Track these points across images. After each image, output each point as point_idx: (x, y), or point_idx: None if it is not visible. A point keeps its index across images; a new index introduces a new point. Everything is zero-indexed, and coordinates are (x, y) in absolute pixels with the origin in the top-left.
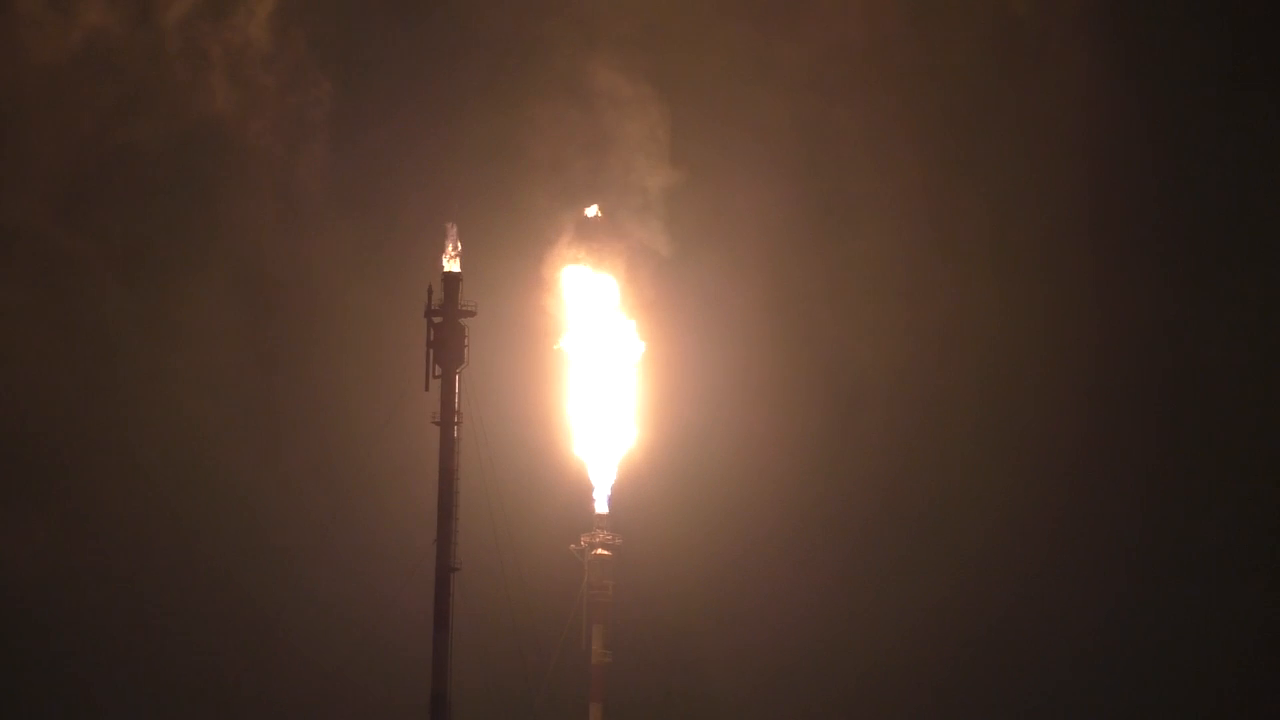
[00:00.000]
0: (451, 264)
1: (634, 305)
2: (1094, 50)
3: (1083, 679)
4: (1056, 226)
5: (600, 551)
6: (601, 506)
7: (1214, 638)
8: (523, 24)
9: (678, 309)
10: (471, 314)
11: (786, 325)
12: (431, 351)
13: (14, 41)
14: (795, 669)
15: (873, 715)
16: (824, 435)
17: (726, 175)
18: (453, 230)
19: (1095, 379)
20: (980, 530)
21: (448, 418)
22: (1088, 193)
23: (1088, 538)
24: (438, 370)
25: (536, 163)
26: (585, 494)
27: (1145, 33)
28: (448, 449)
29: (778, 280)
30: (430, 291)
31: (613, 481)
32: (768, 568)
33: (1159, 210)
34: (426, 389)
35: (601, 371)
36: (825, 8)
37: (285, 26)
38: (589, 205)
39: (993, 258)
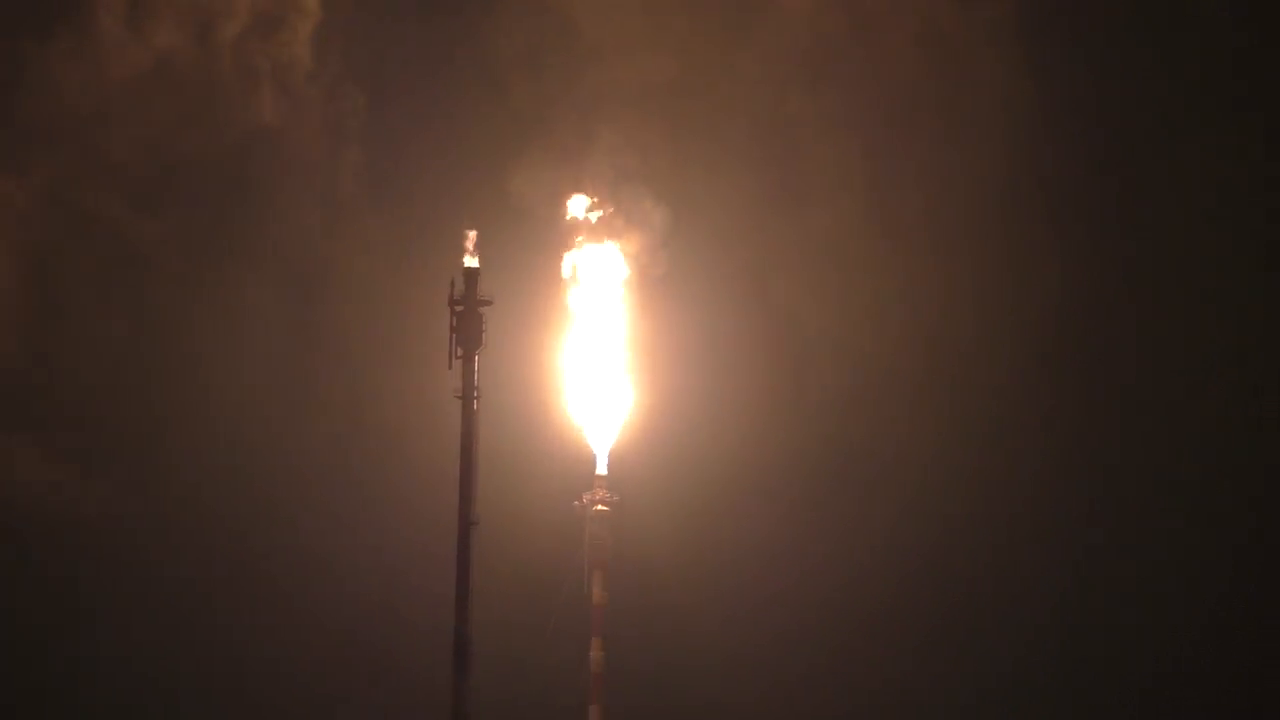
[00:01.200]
0: (471, 261)
1: (628, 283)
2: (1013, 47)
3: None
4: (981, 206)
5: (600, 508)
6: (601, 469)
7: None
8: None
9: (665, 284)
10: (489, 303)
11: (746, 293)
12: (454, 336)
13: (96, 59)
14: (777, 602)
15: (852, 644)
16: (777, 393)
17: (696, 164)
18: (472, 233)
19: (1016, 336)
20: (917, 476)
21: (468, 392)
22: (1007, 176)
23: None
24: (459, 352)
25: (542, 166)
26: (586, 458)
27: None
28: (468, 419)
29: (736, 253)
30: (453, 284)
31: (611, 446)
32: (748, 517)
33: (1070, 189)
34: (450, 368)
35: (599, 347)
36: (776, 13)
37: (324, 46)
38: (586, 198)
39: (927, 233)
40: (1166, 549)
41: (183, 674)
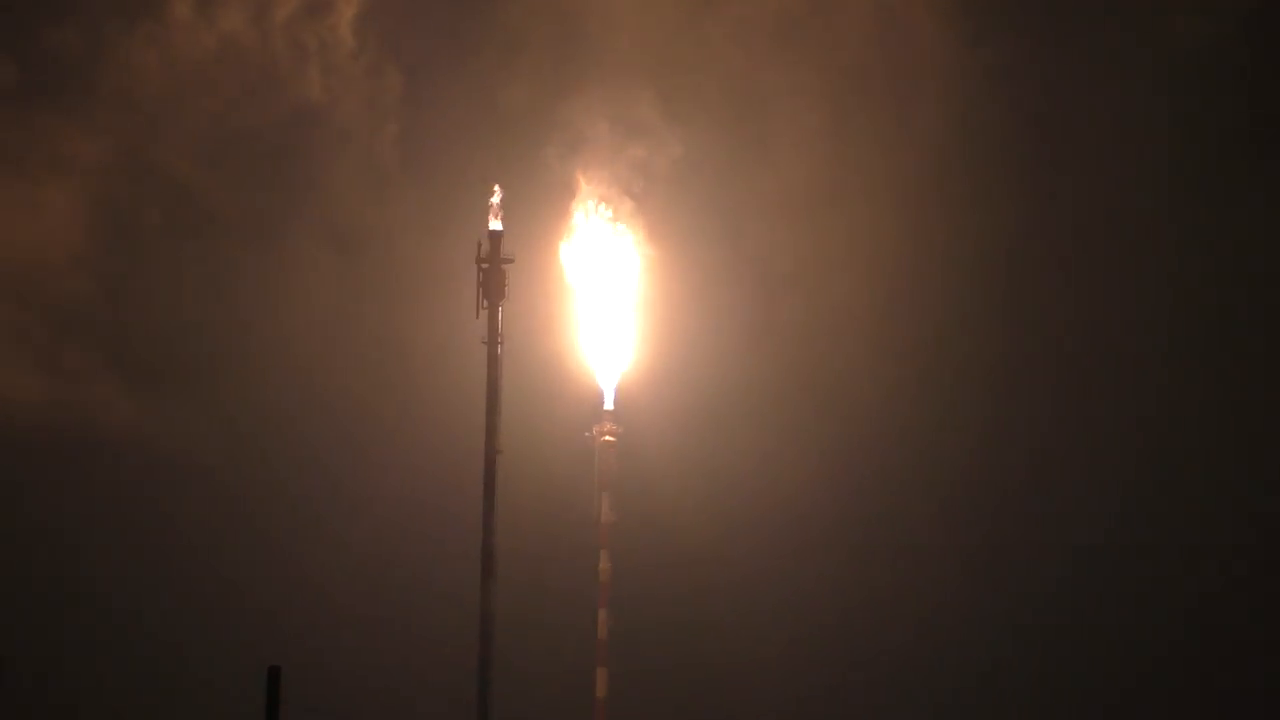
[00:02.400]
0: (495, 224)
1: (633, 235)
2: (956, 20)
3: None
4: (929, 160)
5: (607, 438)
6: (608, 404)
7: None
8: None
9: (656, 238)
10: (510, 261)
11: (720, 236)
12: (480, 289)
13: (170, 40)
14: (766, 515)
15: (837, 551)
16: (753, 328)
17: (681, 127)
18: (496, 201)
19: (960, 276)
20: (880, 396)
21: (493, 339)
22: (951, 132)
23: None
24: (485, 303)
25: (560, 138)
26: (595, 395)
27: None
28: (493, 362)
29: (714, 201)
30: (480, 245)
31: (617, 384)
32: (736, 442)
33: (1007, 144)
34: (476, 317)
35: (607, 295)
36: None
37: (364, 27)
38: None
39: (884, 186)
40: (1123, 463)
41: (236, 580)
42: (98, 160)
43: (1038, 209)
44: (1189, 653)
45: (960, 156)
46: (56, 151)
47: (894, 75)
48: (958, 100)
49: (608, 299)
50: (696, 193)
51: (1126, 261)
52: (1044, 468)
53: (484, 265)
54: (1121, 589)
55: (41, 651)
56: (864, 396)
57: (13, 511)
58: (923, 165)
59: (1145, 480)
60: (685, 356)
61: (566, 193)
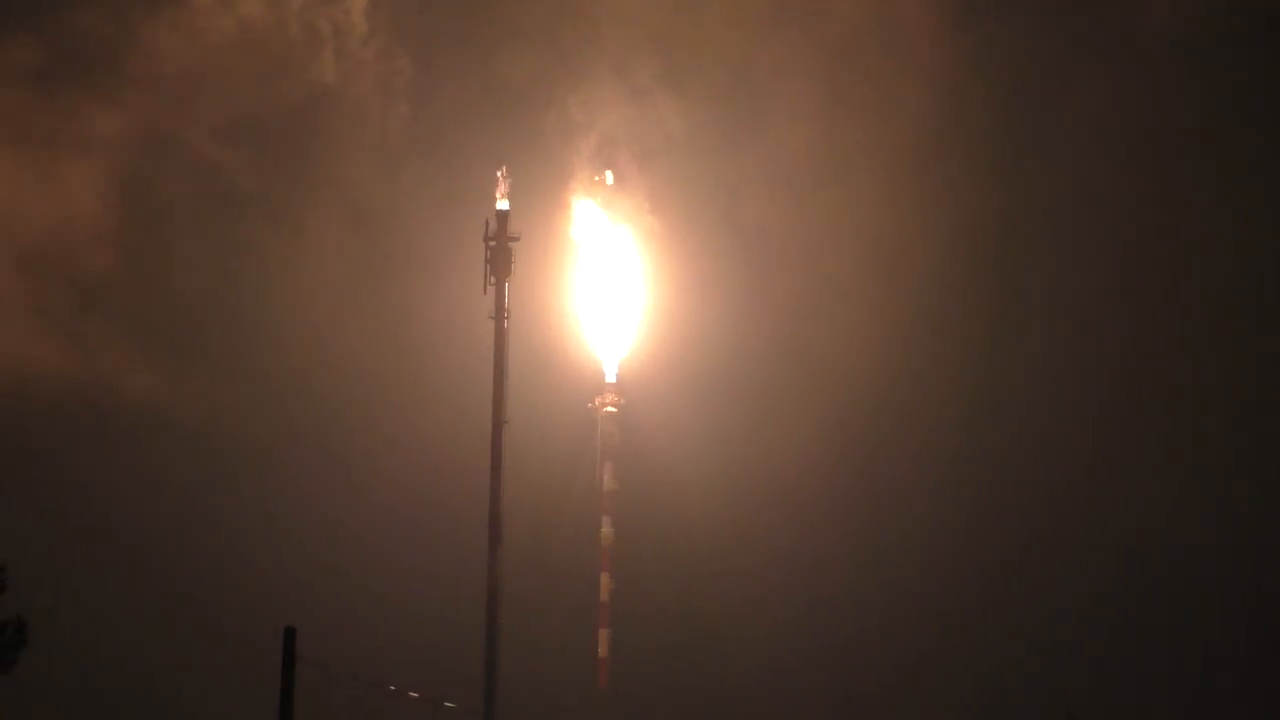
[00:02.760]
0: (502, 203)
1: (636, 215)
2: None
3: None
4: (914, 135)
5: (609, 409)
6: (610, 377)
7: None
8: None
9: (661, 209)
10: (516, 239)
11: (716, 210)
12: (488, 266)
13: (193, 25)
14: (757, 477)
15: (819, 504)
16: (748, 301)
17: (676, 107)
18: (502, 181)
19: (946, 245)
20: (866, 364)
21: (499, 313)
22: (935, 110)
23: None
24: (492, 279)
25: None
26: (598, 367)
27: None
28: (499, 335)
29: (711, 177)
30: (487, 224)
31: (619, 358)
32: (737, 412)
33: (988, 120)
34: (484, 293)
35: (610, 270)
36: None
37: (375, 11)
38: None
39: (875, 163)
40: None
41: (253, 542)
42: (121, 138)
43: (1021, 186)
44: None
45: (947, 135)
46: (81, 130)
47: (884, 57)
48: (944, 81)
49: (610, 275)
50: (694, 168)
51: (1106, 235)
52: (1029, 435)
53: (491, 243)
54: (1106, 553)
55: (68, 610)
56: (855, 366)
57: (40, 476)
58: (911, 143)
59: (1129, 446)
60: (684, 329)
61: (571, 172)
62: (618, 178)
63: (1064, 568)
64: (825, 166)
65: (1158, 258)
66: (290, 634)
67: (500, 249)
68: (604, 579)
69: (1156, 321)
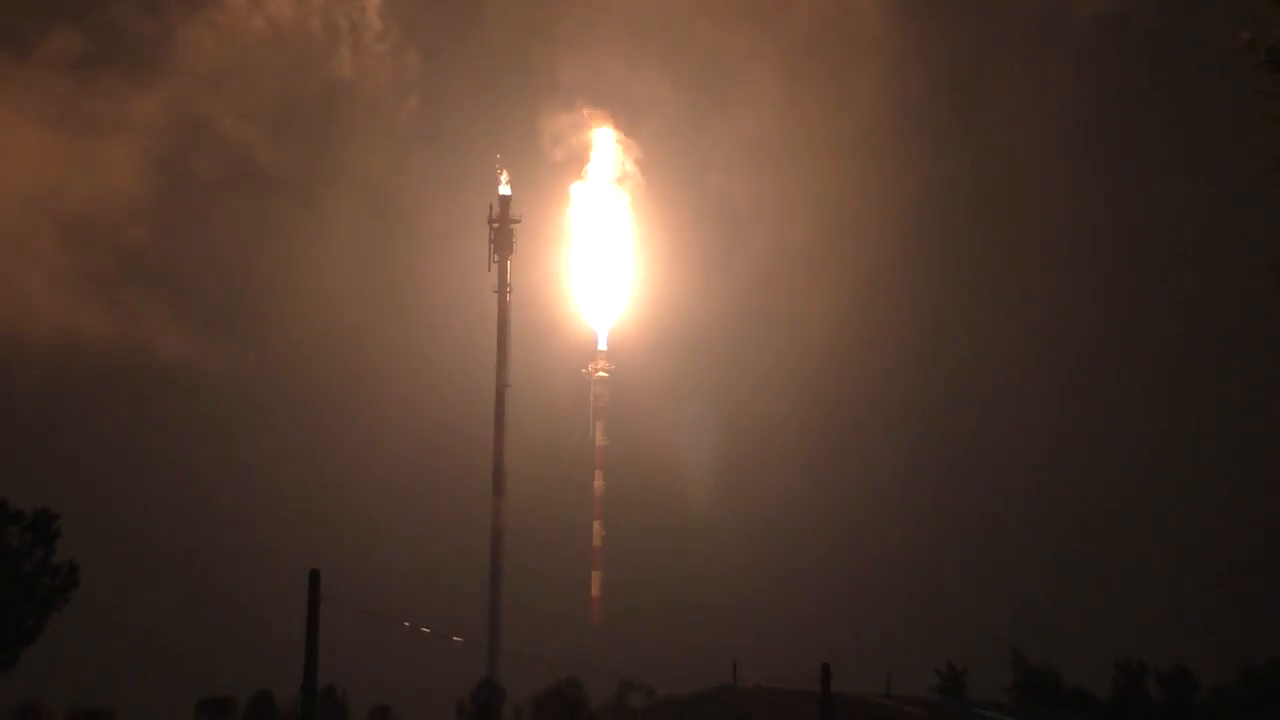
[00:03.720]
0: (505, 189)
1: (625, 199)
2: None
3: None
4: (867, 117)
5: (601, 374)
6: (602, 345)
7: None
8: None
9: (653, 194)
10: (517, 221)
11: (689, 185)
12: (492, 245)
13: (227, 22)
14: (741, 433)
15: (795, 443)
16: (717, 264)
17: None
18: (503, 170)
19: (893, 216)
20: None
21: (502, 288)
22: (884, 94)
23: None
24: (496, 257)
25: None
26: (591, 336)
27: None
28: (502, 308)
29: (683, 152)
30: (491, 207)
31: (610, 327)
32: (713, 370)
33: (925, 100)
34: (489, 269)
35: (601, 250)
36: None
37: (388, 10)
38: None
39: (829, 140)
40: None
41: (280, 492)
42: (160, 122)
43: (959, 161)
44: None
45: (892, 115)
46: (123, 113)
47: (837, 44)
48: (890, 66)
49: (600, 255)
50: (668, 143)
51: (1037, 206)
52: (968, 378)
53: (495, 225)
54: (1039, 486)
55: (111, 552)
56: (815, 321)
57: (87, 429)
58: (861, 122)
59: (1048, 380)
60: (665, 301)
61: (566, 157)
62: (605, 153)
63: (1003, 502)
64: (785, 142)
65: (1075, 224)
66: (315, 576)
67: (503, 230)
68: (596, 526)
69: (1079, 277)
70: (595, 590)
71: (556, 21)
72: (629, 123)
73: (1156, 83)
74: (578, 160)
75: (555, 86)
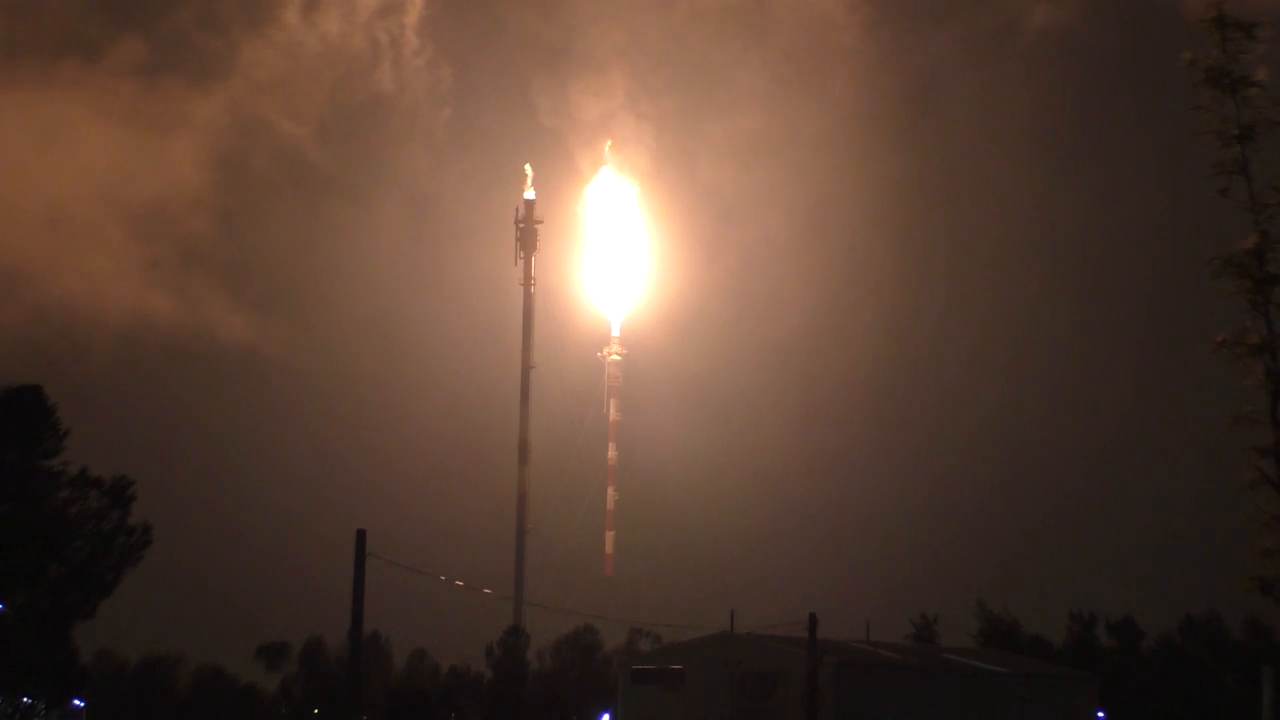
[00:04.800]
0: (529, 193)
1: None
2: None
3: None
4: (841, 118)
5: (614, 356)
6: (615, 331)
7: None
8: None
9: (660, 191)
10: (540, 222)
11: (680, 176)
12: (518, 243)
13: (275, 41)
14: (737, 402)
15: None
16: (703, 249)
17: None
18: (529, 176)
19: (863, 198)
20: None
21: (527, 281)
22: (855, 100)
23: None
24: (521, 254)
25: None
26: (605, 323)
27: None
28: (528, 298)
29: (677, 149)
30: (518, 210)
31: (622, 315)
32: (711, 351)
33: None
34: (515, 264)
35: (613, 245)
36: None
37: (423, 28)
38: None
39: (807, 138)
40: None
41: (328, 459)
42: (216, 122)
43: (921, 158)
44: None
45: (862, 116)
46: (182, 114)
47: (814, 53)
48: (861, 72)
49: (614, 251)
50: (665, 142)
51: (991, 199)
52: (931, 355)
53: (520, 225)
54: (993, 452)
55: (179, 513)
56: (794, 303)
57: (150, 406)
58: (835, 122)
59: (1006, 353)
60: (670, 288)
61: (580, 161)
62: (614, 154)
63: (962, 464)
64: (767, 141)
65: (1026, 215)
66: (361, 535)
67: (528, 230)
68: (610, 491)
69: (1029, 264)
70: (609, 548)
71: (568, 38)
72: (633, 126)
73: (1098, 89)
74: (590, 164)
75: (568, 95)
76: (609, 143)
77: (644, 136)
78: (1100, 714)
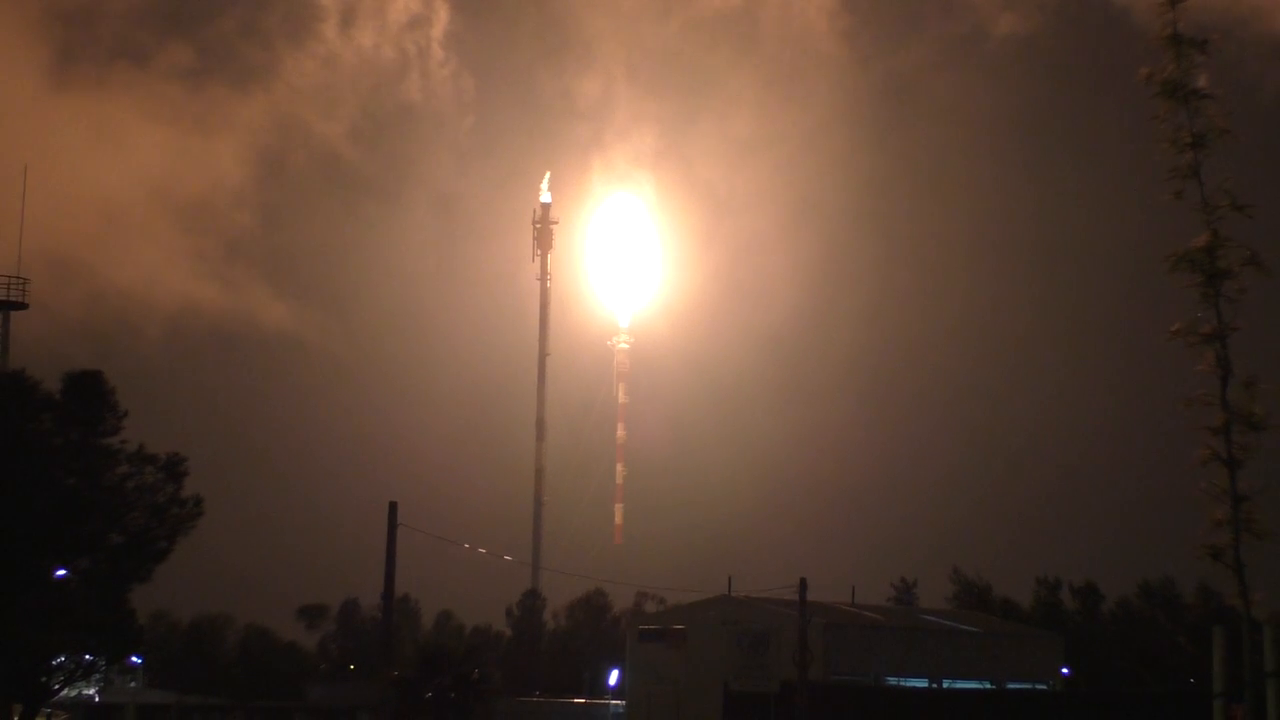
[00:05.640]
0: (546, 196)
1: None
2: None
3: None
4: (822, 119)
5: (622, 345)
6: (624, 322)
7: None
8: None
9: (676, 182)
10: (555, 223)
11: (676, 173)
12: (535, 241)
13: (314, 53)
14: (735, 385)
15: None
16: (697, 240)
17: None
18: (545, 180)
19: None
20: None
21: (544, 276)
22: (833, 102)
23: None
24: (538, 251)
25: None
26: (614, 314)
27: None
28: (544, 293)
29: (674, 149)
30: (535, 212)
31: (630, 305)
32: (709, 335)
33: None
34: (532, 261)
35: (623, 240)
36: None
37: (449, 43)
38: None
39: (792, 137)
40: None
41: (360, 437)
42: (258, 124)
43: (895, 156)
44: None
45: (841, 117)
46: (226, 116)
47: (797, 59)
48: (839, 77)
49: (622, 248)
50: (665, 143)
51: (959, 194)
52: (905, 337)
53: (537, 226)
54: (962, 425)
55: (227, 485)
56: (781, 291)
57: (198, 387)
58: (816, 122)
59: (972, 327)
60: (672, 283)
61: (592, 162)
62: (623, 158)
63: (938, 441)
64: (756, 140)
65: (991, 209)
66: (393, 507)
67: (544, 230)
68: (619, 467)
69: (994, 256)
70: (618, 519)
71: (578, 50)
72: (636, 129)
73: (1059, 94)
74: (599, 166)
75: (578, 102)
76: (616, 146)
77: (646, 138)
78: (1064, 670)
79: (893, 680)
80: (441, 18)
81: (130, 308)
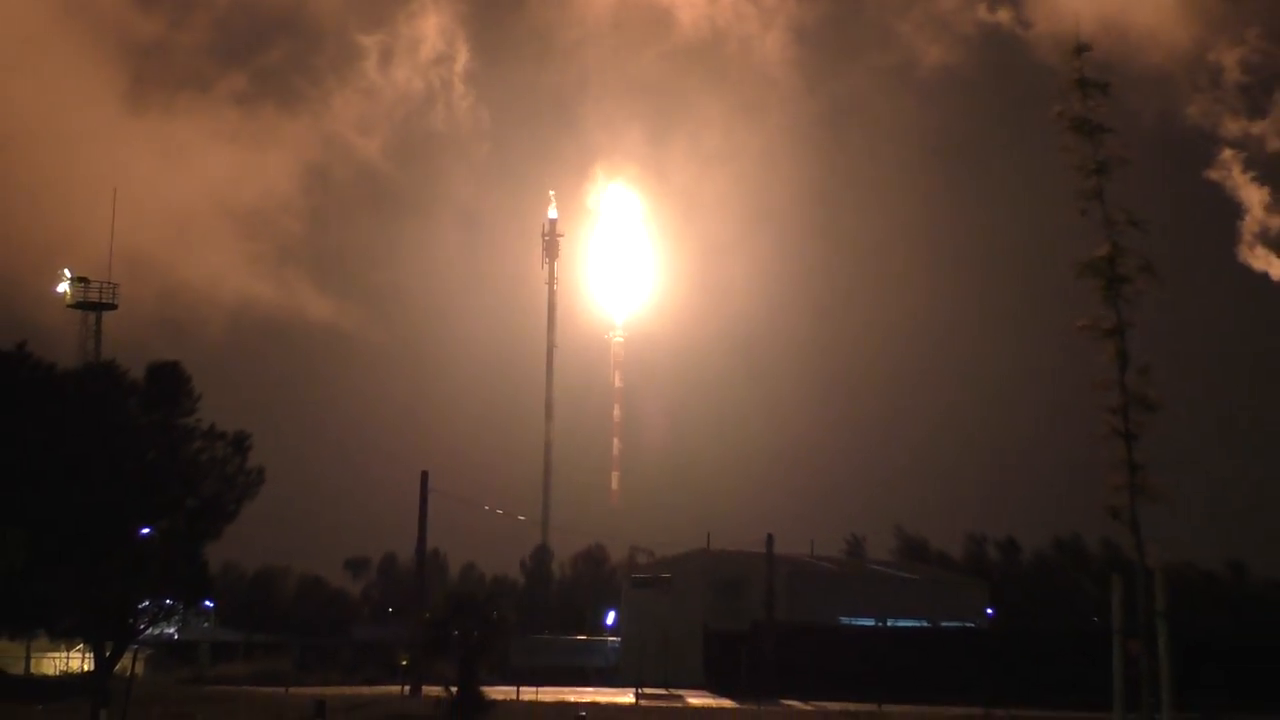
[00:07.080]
0: (553, 212)
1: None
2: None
3: None
4: (786, 129)
5: (618, 339)
6: (619, 318)
7: None
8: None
9: (659, 196)
10: (562, 235)
11: (661, 182)
12: (544, 252)
13: (357, 87)
14: (723, 374)
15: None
16: (684, 240)
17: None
18: (552, 197)
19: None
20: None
21: (551, 281)
22: (793, 118)
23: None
24: (546, 260)
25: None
26: (611, 313)
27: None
28: (551, 295)
29: (662, 162)
30: (544, 226)
31: (625, 304)
32: (694, 330)
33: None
34: (541, 268)
35: (617, 248)
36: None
37: (468, 79)
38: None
39: (762, 147)
40: None
41: (394, 416)
42: (305, 143)
43: (838, 168)
44: None
45: (792, 133)
46: (277, 135)
47: (754, 82)
48: (790, 98)
49: (618, 255)
50: (646, 155)
51: (893, 203)
52: (872, 319)
53: (546, 238)
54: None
55: (285, 456)
56: (743, 289)
57: (252, 372)
58: (772, 138)
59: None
60: (662, 285)
61: (588, 179)
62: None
63: (887, 415)
64: (731, 151)
65: (922, 218)
66: (425, 475)
67: (552, 242)
68: (615, 442)
69: (927, 259)
70: (614, 485)
71: (572, 81)
72: (625, 142)
73: (981, 119)
74: (597, 180)
75: (574, 128)
76: (608, 163)
77: (632, 155)
78: (989, 611)
79: (845, 620)
80: (462, 56)
81: (198, 303)
